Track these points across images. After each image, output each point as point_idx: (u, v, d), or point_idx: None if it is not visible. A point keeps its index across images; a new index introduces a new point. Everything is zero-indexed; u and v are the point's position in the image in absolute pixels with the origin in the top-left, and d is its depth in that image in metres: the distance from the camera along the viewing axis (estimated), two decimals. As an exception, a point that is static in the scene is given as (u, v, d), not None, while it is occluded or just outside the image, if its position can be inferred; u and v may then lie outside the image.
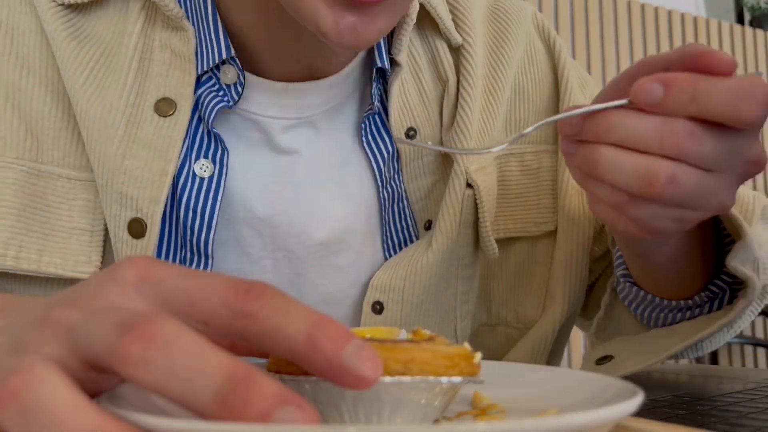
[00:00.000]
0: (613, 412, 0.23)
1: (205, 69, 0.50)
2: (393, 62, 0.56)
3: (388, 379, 0.25)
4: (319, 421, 0.20)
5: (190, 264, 0.51)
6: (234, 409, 0.20)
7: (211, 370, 0.20)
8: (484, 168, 0.57)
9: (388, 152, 0.56)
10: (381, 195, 0.56)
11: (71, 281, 0.49)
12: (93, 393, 0.24)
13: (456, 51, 0.59)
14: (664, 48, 2.73)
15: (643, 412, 0.40)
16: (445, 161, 0.58)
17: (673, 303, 0.53)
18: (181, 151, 0.50)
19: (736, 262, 0.47)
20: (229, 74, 0.51)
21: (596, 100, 0.42)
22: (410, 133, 0.56)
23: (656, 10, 2.74)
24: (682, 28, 2.80)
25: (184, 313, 0.24)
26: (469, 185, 0.55)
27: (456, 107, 0.57)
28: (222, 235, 0.52)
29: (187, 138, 0.50)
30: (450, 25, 0.58)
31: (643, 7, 2.71)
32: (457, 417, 0.31)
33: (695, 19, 2.84)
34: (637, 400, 0.24)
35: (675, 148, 0.37)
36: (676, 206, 0.39)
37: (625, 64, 2.62)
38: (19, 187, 0.48)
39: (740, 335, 2.75)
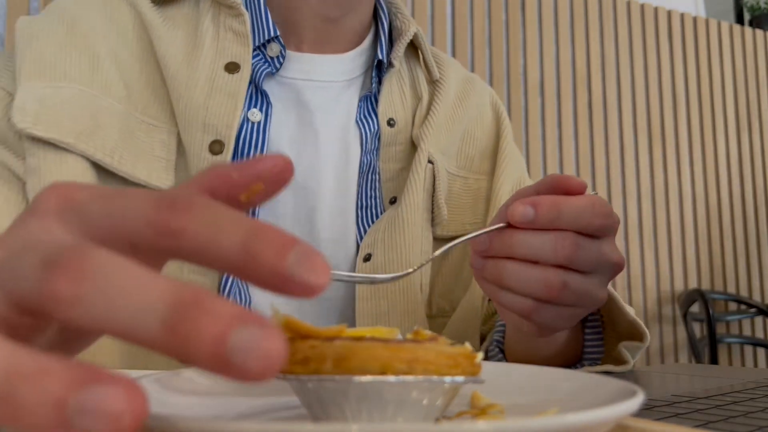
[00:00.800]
0: (613, 412, 0.23)
1: (257, 45, 0.70)
2: (389, 64, 0.75)
3: (392, 378, 0.26)
4: (286, 342, 0.18)
5: None
6: (186, 337, 0.18)
7: (155, 298, 0.18)
8: (438, 162, 0.74)
9: (374, 128, 0.73)
10: (362, 159, 0.71)
11: (154, 189, 0.64)
12: (38, 341, 0.23)
13: (433, 83, 0.78)
14: (664, 48, 2.73)
15: (643, 412, 0.40)
16: (412, 152, 0.74)
17: None
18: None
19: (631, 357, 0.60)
20: (273, 49, 0.70)
21: (493, 222, 0.53)
22: (390, 122, 0.73)
23: (656, 10, 2.74)
24: (682, 28, 2.80)
25: (109, 239, 0.22)
26: (429, 161, 0.73)
27: (427, 114, 0.75)
28: None
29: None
30: (432, 61, 0.78)
31: (642, 7, 2.71)
32: (456, 416, 0.31)
33: (695, 19, 2.84)
34: (637, 400, 0.25)
35: (565, 259, 0.47)
36: (570, 306, 0.49)
37: (625, 64, 2.62)
38: (121, 118, 0.65)
39: (740, 335, 2.75)
